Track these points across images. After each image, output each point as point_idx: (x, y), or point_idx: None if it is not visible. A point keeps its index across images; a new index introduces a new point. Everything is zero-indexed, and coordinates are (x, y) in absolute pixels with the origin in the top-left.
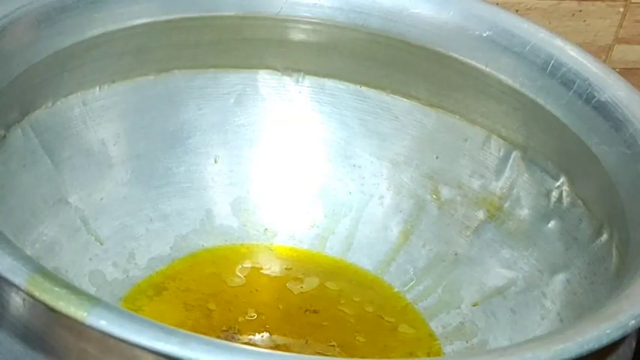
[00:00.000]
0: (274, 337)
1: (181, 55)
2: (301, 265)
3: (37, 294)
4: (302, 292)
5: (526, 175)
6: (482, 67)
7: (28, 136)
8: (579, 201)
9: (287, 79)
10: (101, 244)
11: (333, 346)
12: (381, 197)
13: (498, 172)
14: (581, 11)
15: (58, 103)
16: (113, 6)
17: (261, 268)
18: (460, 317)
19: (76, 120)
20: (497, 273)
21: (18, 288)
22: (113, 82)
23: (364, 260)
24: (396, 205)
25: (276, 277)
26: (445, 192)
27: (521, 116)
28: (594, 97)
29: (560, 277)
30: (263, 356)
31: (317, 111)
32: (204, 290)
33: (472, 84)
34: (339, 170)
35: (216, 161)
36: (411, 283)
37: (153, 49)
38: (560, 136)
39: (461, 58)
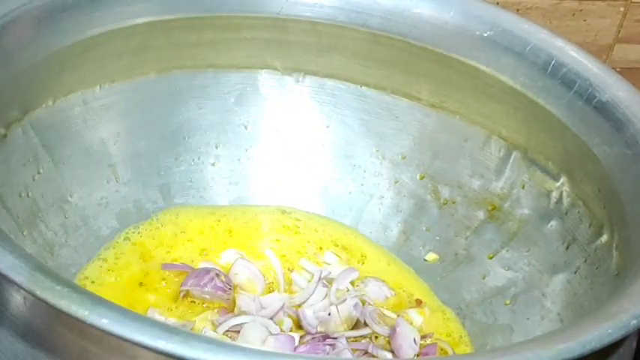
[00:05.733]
0: None
1: (182, 54)
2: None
3: (38, 292)
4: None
5: (526, 175)
6: (483, 68)
7: (28, 135)
8: (579, 201)
9: (287, 79)
10: (102, 242)
11: None
12: (381, 197)
13: (498, 172)
14: (581, 11)
15: (59, 102)
16: (114, 5)
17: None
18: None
19: (77, 119)
20: (498, 273)
21: (19, 286)
22: (113, 81)
23: None
24: (396, 205)
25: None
26: (445, 192)
27: (522, 116)
28: (595, 97)
29: (560, 278)
30: (262, 355)
31: (317, 111)
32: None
33: (473, 84)
34: (339, 170)
35: (216, 161)
36: None
37: (153, 49)
38: (560, 136)
39: (461, 58)
